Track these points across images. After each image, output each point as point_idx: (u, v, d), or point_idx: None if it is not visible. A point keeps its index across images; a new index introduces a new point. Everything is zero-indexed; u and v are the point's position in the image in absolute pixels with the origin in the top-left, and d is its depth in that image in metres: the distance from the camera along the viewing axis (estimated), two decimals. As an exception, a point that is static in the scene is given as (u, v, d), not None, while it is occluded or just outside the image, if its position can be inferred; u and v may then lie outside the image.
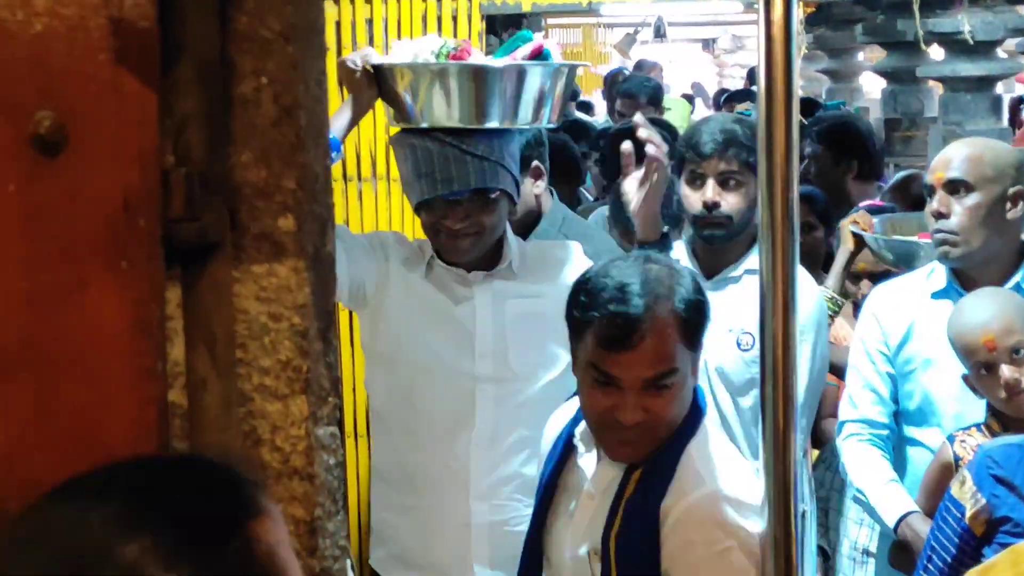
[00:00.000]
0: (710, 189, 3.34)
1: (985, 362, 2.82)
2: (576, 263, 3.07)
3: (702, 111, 12.78)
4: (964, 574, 2.14)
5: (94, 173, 1.45)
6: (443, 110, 2.92)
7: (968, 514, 2.32)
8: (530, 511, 2.86)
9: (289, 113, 1.65)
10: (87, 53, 1.44)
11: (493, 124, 2.95)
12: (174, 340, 1.61)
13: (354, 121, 3.06)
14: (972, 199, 3.07)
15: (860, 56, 12.88)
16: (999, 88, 10.02)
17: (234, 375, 1.65)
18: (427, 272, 3.06)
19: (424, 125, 2.96)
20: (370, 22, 4.01)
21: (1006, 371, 2.78)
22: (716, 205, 3.32)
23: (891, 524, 3.01)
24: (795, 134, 2.54)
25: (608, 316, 2.31)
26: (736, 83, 16.60)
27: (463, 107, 2.91)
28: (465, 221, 2.97)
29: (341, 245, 2.88)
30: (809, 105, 6.89)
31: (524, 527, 2.84)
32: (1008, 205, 3.10)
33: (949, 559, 2.34)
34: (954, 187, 3.09)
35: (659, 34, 13.50)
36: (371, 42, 4.20)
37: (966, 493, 2.34)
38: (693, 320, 2.35)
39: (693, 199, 3.38)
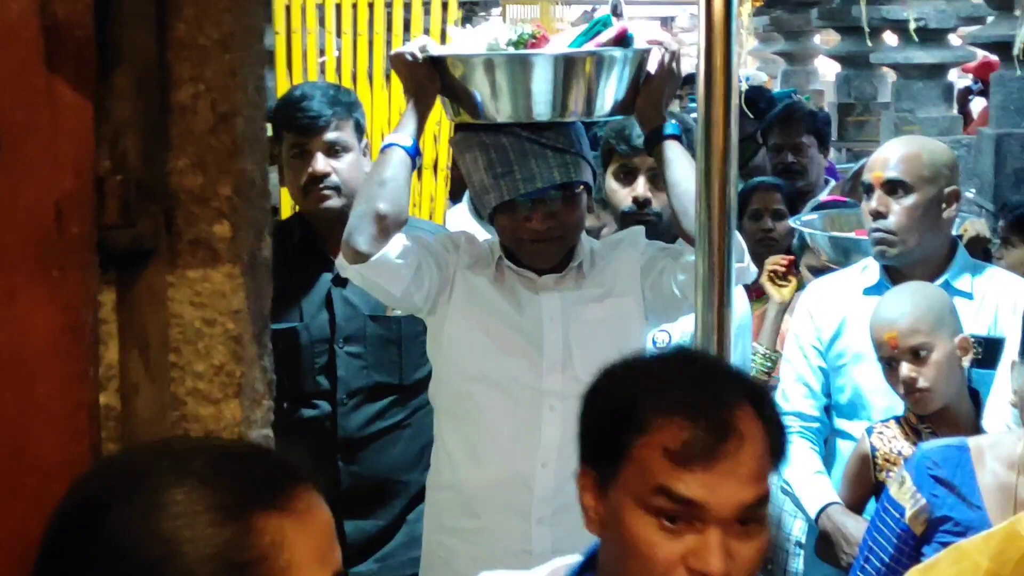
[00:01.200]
0: (641, 185, 3.20)
1: (887, 358, 2.88)
2: (641, 251, 2.85)
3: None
4: (903, 574, 2.18)
5: (27, 182, 1.45)
6: (524, 104, 2.65)
7: (908, 514, 2.35)
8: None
9: (226, 120, 1.65)
10: (20, 62, 1.44)
11: (577, 117, 2.73)
12: (108, 343, 1.62)
13: (422, 121, 2.76)
14: (910, 199, 3.12)
15: (816, 39, 12.94)
16: (952, 76, 10.13)
17: (167, 379, 1.66)
18: (495, 276, 2.80)
19: (500, 120, 2.70)
20: (321, 7, 4.00)
21: (904, 369, 2.85)
22: (647, 202, 3.17)
23: (813, 514, 3.08)
24: (734, 136, 2.57)
25: (692, 413, 1.59)
26: (693, 60, 16.60)
27: (546, 100, 2.65)
28: (551, 221, 2.72)
29: (427, 253, 2.77)
30: (758, 93, 6.91)
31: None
32: (943, 205, 3.15)
33: (887, 559, 2.37)
34: (892, 187, 3.13)
35: (616, 12, 13.53)
36: (321, 25, 4.18)
37: (905, 494, 2.37)
38: (778, 428, 1.67)
39: (622, 194, 3.25)
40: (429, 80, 2.70)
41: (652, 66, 2.77)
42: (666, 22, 20.42)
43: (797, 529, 3.48)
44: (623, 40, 2.73)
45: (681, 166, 2.72)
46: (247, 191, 1.69)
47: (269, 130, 3.79)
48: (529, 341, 2.74)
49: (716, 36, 2.55)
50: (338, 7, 4.05)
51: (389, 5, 4.13)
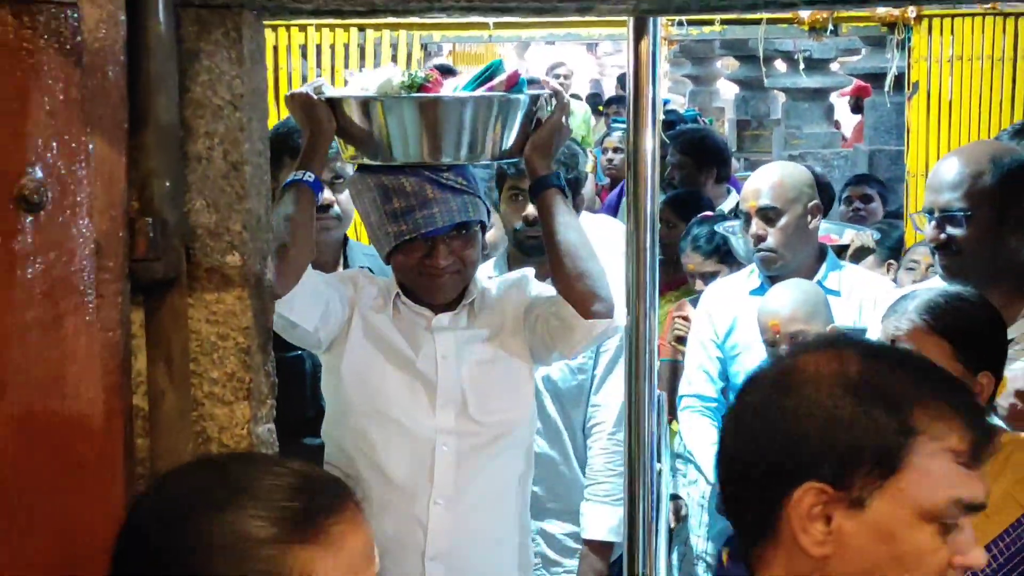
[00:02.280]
0: (530, 205, 2.89)
1: (770, 341, 2.97)
2: (528, 291, 2.57)
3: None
4: None
5: (70, 225, 1.46)
6: (420, 146, 2.34)
7: None
8: (506, 571, 2.48)
9: (236, 168, 1.67)
10: (65, 126, 1.45)
11: (465, 160, 2.40)
12: (138, 355, 1.64)
13: (322, 155, 2.39)
14: (782, 221, 3.20)
15: (718, 64, 13.01)
16: (832, 98, 10.27)
17: (188, 385, 1.68)
18: (392, 314, 2.48)
19: (392, 163, 2.38)
20: (304, 47, 4.01)
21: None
22: (536, 220, 2.77)
23: (712, 479, 3.15)
24: (656, 165, 2.61)
25: (967, 413, 1.29)
26: (613, 79, 16.55)
27: (442, 142, 2.34)
28: (450, 258, 2.41)
29: (332, 291, 2.45)
30: (671, 116, 6.95)
31: None
32: (809, 218, 3.23)
33: None
34: (765, 213, 3.21)
35: (549, 40, 13.53)
36: (304, 58, 4.19)
37: None
38: None
39: (514, 215, 3.05)
40: (326, 119, 2.35)
41: (545, 111, 2.46)
42: (591, 47, 20.41)
43: (699, 494, 3.53)
44: (515, 85, 2.41)
45: (564, 222, 2.42)
46: (254, 226, 1.71)
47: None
48: (423, 380, 2.45)
49: (643, 82, 2.58)
50: (318, 47, 4.06)
51: (362, 46, 4.14)
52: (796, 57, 8.00)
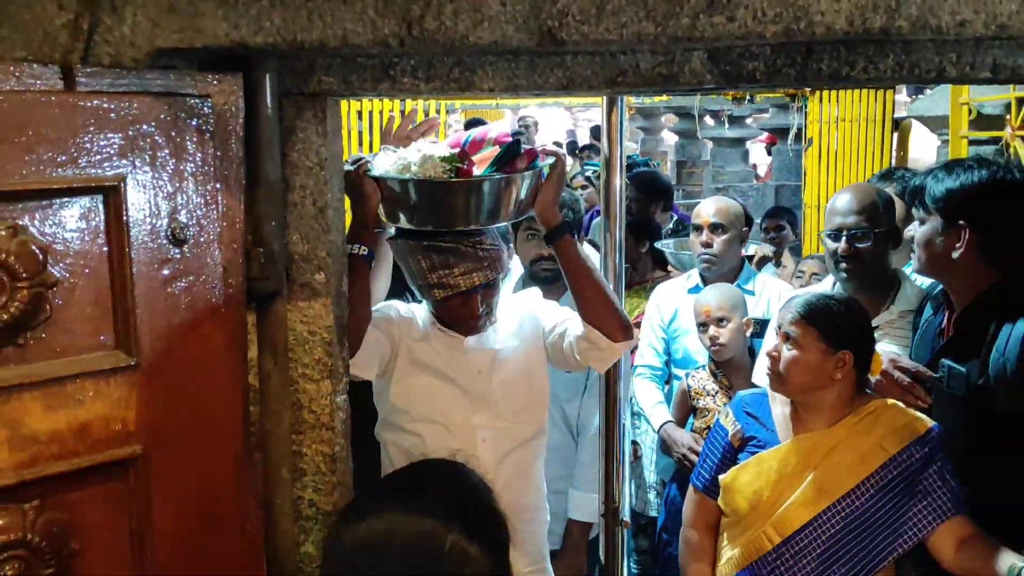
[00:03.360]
0: (543, 245, 2.66)
1: (702, 323, 3.07)
2: (542, 311, 2.41)
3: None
4: (726, 472, 2.25)
5: (205, 255, 1.51)
6: (456, 217, 2.11)
7: (730, 434, 2.35)
8: (533, 531, 2.38)
9: (322, 211, 1.72)
10: (202, 183, 1.50)
11: (495, 223, 2.18)
12: (251, 347, 1.68)
13: (371, 222, 2.13)
14: (726, 236, 3.30)
15: (663, 119, 13.03)
16: (748, 145, 10.32)
17: (287, 368, 1.73)
18: (430, 340, 2.32)
19: (428, 229, 2.16)
20: (360, 112, 4.04)
21: (711, 330, 3.05)
22: (551, 257, 2.57)
23: (656, 428, 3.22)
24: (623, 200, 2.66)
25: None
26: (585, 130, 16.50)
27: (476, 213, 2.11)
28: (483, 306, 2.26)
29: (380, 334, 2.24)
30: (628, 160, 6.98)
31: (527, 545, 2.37)
32: (741, 240, 3.32)
33: (716, 462, 2.34)
34: (714, 227, 3.30)
35: (540, 105, 13.51)
36: (360, 118, 4.22)
37: (728, 421, 2.36)
38: None
39: (529, 251, 2.98)
40: (371, 191, 2.10)
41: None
42: (568, 107, 20.28)
43: (650, 440, 3.58)
44: (532, 161, 2.21)
45: (582, 262, 2.22)
46: (335, 253, 1.75)
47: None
48: (461, 390, 2.31)
49: (613, 138, 2.62)
50: (370, 112, 4.10)
51: (402, 111, 4.18)
52: (721, 116, 8.04)
